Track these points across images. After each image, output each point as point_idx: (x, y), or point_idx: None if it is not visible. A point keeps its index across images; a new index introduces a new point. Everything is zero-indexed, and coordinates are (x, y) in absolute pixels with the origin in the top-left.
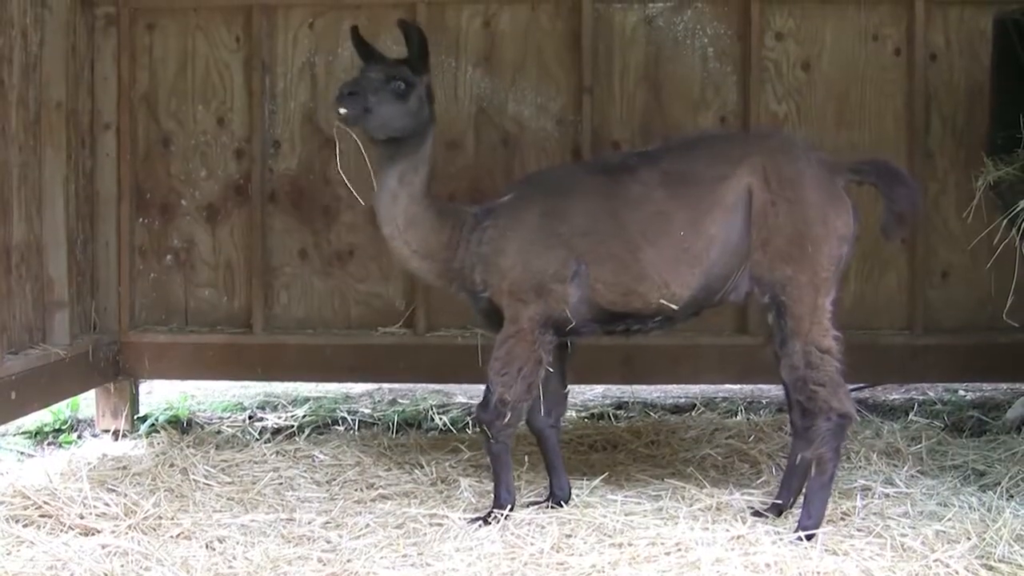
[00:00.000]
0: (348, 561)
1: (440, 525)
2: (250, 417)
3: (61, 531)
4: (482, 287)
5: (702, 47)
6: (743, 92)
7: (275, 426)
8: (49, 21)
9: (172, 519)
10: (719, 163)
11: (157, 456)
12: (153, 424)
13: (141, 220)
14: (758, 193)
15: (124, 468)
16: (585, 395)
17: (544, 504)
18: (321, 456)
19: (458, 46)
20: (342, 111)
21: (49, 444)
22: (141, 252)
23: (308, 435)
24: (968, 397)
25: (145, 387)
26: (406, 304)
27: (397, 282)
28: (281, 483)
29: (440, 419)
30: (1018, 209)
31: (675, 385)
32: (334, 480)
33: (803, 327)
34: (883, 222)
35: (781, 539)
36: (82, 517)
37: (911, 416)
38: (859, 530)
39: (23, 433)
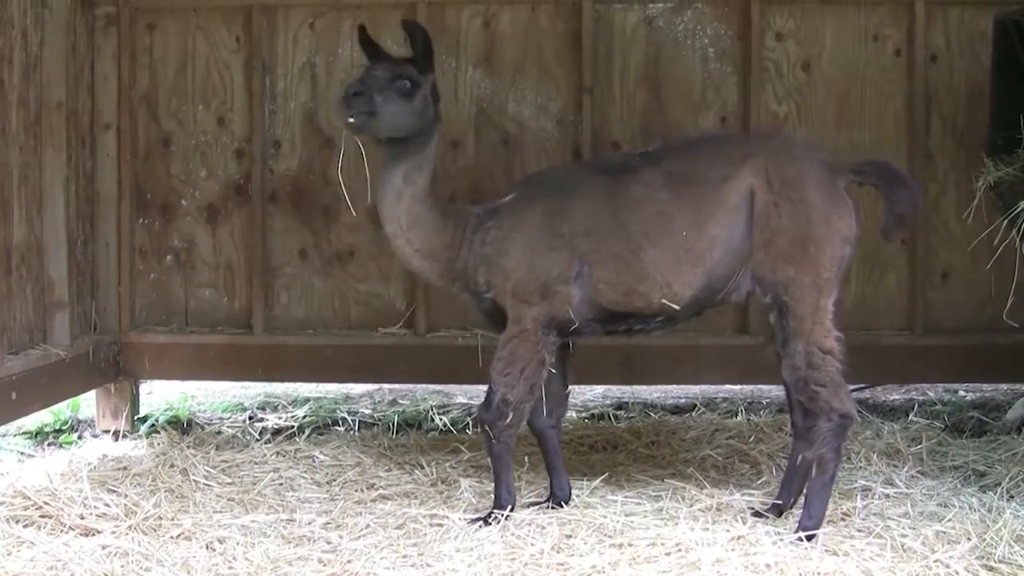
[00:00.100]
0: (348, 562)
1: (440, 526)
2: (250, 418)
3: (61, 531)
4: (485, 288)
5: (702, 47)
6: (743, 92)
7: (275, 427)
8: (49, 21)
9: (172, 520)
10: (721, 164)
11: (157, 457)
12: (153, 425)
13: (141, 220)
14: (760, 194)
15: (124, 469)
16: (585, 395)
17: (544, 504)
18: (321, 457)
19: (458, 46)
20: (350, 120)
21: (49, 444)
22: (141, 252)
23: (308, 435)
24: (968, 398)
25: (145, 387)
26: (406, 304)
27: (397, 282)
28: (281, 484)
29: (440, 420)
30: (1018, 210)
31: (675, 385)
32: (334, 481)
33: (805, 328)
34: (884, 223)
35: (781, 539)
36: (82, 517)
37: (911, 417)
38: (859, 531)
39: (23, 433)
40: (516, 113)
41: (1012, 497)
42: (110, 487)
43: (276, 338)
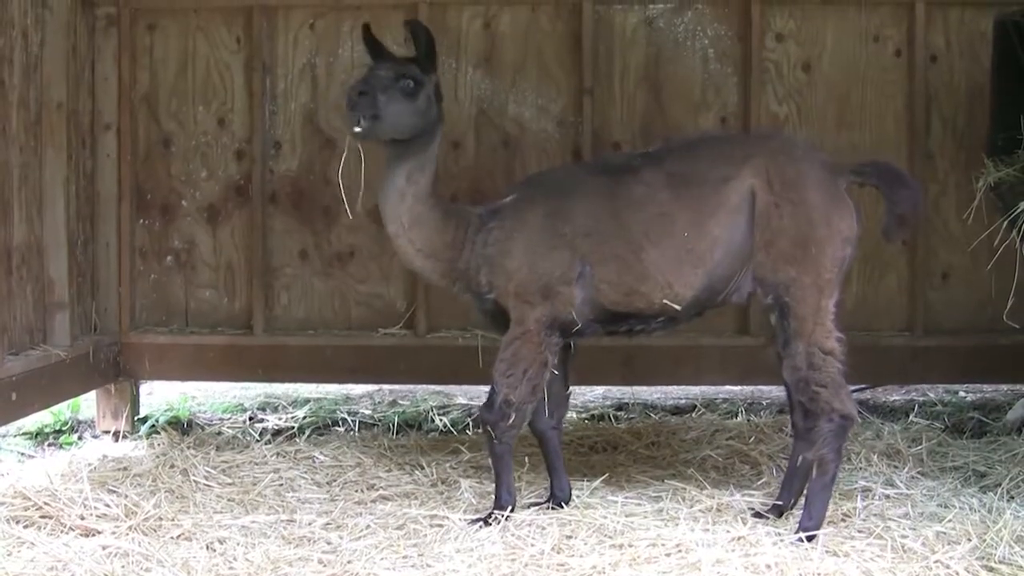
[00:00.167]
0: (348, 562)
1: (441, 526)
2: (250, 418)
3: (62, 532)
4: (487, 289)
5: (703, 48)
6: (744, 93)
7: (275, 427)
8: (50, 22)
9: (173, 520)
10: (722, 164)
11: (158, 457)
12: (153, 425)
13: (142, 221)
14: (761, 195)
15: (125, 469)
16: (585, 396)
17: (545, 505)
18: (321, 457)
19: (459, 47)
20: (356, 130)
21: (50, 445)
22: (142, 253)
23: (308, 436)
24: (968, 398)
25: (145, 388)
26: (407, 305)
27: (398, 283)
28: (282, 484)
29: (440, 420)
30: (1018, 211)
31: (675, 386)
32: (334, 481)
33: (806, 328)
34: (885, 224)
35: (782, 540)
36: (83, 518)
37: (911, 417)
38: (860, 531)
39: (24, 434)
40: (516, 114)
41: (1012, 498)
42: (110, 488)
43: (276, 339)
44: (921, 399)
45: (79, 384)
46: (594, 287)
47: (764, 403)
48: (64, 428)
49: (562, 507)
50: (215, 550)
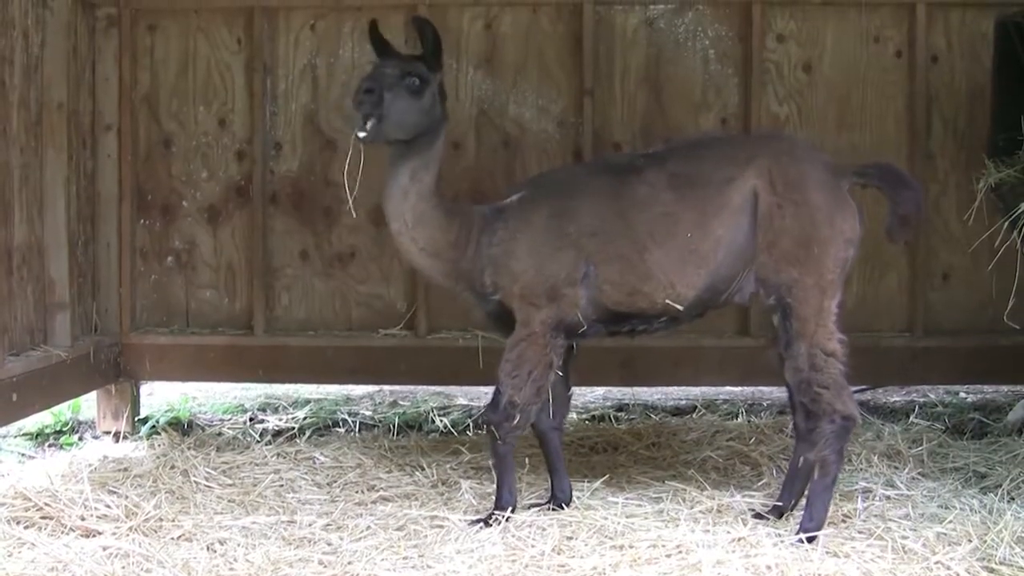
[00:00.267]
0: (349, 563)
1: (441, 527)
2: (251, 419)
3: (62, 533)
4: (492, 290)
5: (703, 49)
6: (744, 94)
7: (276, 428)
8: (50, 22)
9: (173, 521)
10: (725, 165)
11: (158, 458)
12: (154, 426)
13: (142, 221)
14: (764, 195)
15: (125, 470)
16: (586, 397)
17: (545, 506)
18: (322, 458)
19: (459, 48)
20: (360, 135)
21: (50, 446)
22: (142, 253)
23: (309, 437)
24: (969, 399)
25: (146, 389)
26: (407, 306)
27: (398, 284)
28: (282, 485)
29: (441, 421)
30: (1019, 211)
31: (676, 387)
32: (335, 482)
33: (808, 329)
34: (888, 225)
35: (782, 541)
36: (83, 519)
37: (912, 418)
38: (860, 532)
39: (24, 435)
40: (517, 115)
41: (1013, 499)
42: (111, 488)
43: (277, 339)
44: (922, 400)
45: (80, 385)
46: (597, 287)
47: (765, 404)
48: (65, 429)
49: (563, 508)
50: (215, 551)
